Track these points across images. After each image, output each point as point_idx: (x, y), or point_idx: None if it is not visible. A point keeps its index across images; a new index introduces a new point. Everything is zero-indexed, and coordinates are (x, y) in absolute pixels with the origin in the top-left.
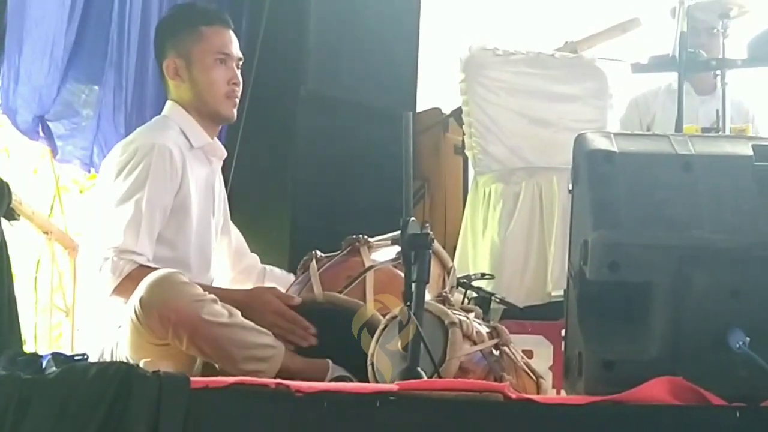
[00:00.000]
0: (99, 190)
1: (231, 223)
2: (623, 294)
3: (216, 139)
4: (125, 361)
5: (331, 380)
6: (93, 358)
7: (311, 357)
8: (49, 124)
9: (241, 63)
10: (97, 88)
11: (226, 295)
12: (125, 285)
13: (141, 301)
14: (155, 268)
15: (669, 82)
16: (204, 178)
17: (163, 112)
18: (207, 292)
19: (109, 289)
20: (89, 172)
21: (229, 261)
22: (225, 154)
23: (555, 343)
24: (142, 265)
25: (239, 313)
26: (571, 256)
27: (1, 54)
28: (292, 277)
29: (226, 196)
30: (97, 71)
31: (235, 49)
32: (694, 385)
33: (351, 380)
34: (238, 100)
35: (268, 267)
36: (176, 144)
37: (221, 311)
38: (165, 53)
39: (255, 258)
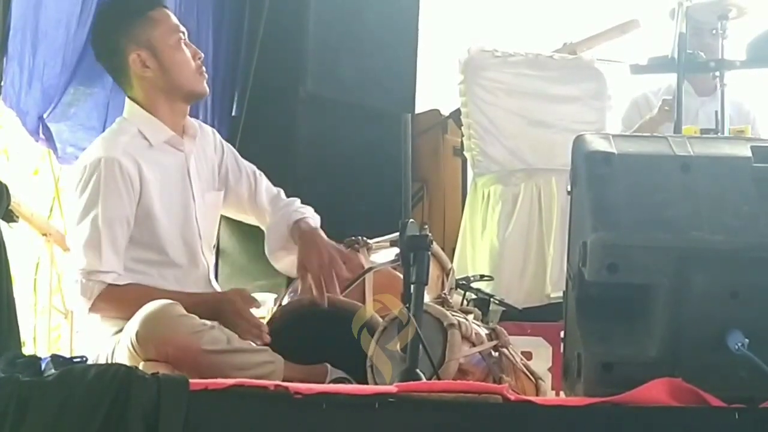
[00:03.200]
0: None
1: (247, 170)
2: (622, 295)
3: (188, 119)
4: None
5: (330, 382)
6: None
7: (312, 359)
8: (54, 125)
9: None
10: (101, 90)
11: (199, 301)
12: (98, 305)
13: (137, 336)
14: (125, 286)
15: (669, 82)
16: (173, 168)
17: (123, 114)
18: (206, 322)
19: (84, 310)
20: None
21: (257, 208)
22: (197, 131)
23: (554, 344)
24: (110, 285)
25: (235, 336)
26: (570, 258)
27: (3, 54)
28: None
29: (219, 158)
30: (103, 73)
31: (182, 26)
32: (693, 387)
33: (350, 382)
34: (206, 75)
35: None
36: (126, 152)
37: (220, 337)
38: (124, 50)
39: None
